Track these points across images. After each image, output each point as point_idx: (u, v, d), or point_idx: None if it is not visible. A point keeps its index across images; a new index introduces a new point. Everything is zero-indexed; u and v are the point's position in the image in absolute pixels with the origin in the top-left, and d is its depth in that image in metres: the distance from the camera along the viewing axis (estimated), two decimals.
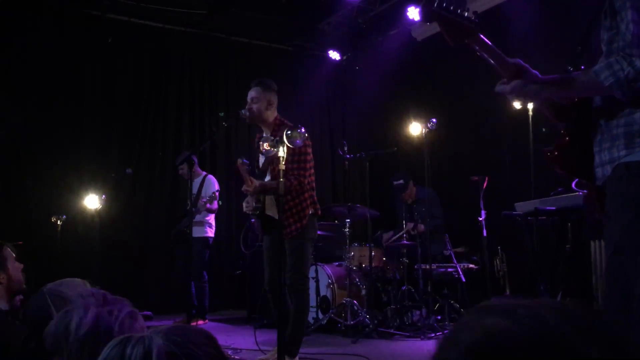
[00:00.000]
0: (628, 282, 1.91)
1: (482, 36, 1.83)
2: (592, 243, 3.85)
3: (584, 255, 3.83)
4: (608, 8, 1.89)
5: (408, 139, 6.31)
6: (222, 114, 4.33)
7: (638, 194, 1.81)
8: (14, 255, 2.71)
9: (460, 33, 1.79)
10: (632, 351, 0.44)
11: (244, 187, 3.83)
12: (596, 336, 0.44)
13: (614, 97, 1.85)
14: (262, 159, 4.14)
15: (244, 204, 4.06)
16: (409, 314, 5.55)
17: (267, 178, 4.05)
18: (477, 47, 1.86)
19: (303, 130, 3.01)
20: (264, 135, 3.55)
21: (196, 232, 5.64)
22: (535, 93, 1.94)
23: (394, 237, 6.19)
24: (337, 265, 6.05)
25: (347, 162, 6.22)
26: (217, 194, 5.92)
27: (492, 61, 1.90)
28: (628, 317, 1.91)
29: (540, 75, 1.93)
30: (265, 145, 3.07)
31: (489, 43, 1.86)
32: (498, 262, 6.07)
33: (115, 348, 0.87)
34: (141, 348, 0.84)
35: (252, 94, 4.09)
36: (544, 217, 4.27)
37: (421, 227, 5.94)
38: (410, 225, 6.01)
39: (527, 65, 1.93)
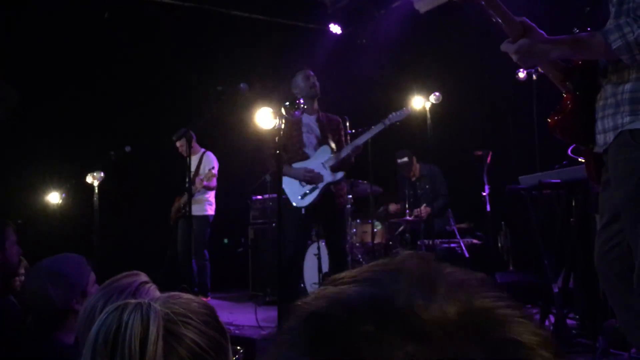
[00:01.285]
0: (624, 252, 1.88)
1: None
2: (597, 216, 3.78)
3: (588, 229, 3.76)
4: None
5: (411, 113, 6.22)
6: (220, 88, 4.26)
7: None
8: (15, 238, 2.65)
9: None
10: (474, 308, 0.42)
11: None
12: (430, 291, 0.42)
13: (621, 61, 1.79)
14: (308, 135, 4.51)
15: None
16: None
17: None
18: (482, 3, 1.78)
19: (302, 101, 2.94)
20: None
21: (196, 210, 5.61)
22: (541, 53, 1.87)
23: (399, 213, 6.13)
24: None
25: (349, 138, 6.14)
26: (214, 171, 5.85)
27: (498, 19, 1.83)
28: (625, 289, 1.88)
29: (546, 35, 1.86)
30: (263, 118, 3.00)
31: (495, 0, 1.79)
32: (502, 238, 6.03)
33: (112, 314, 0.84)
34: (139, 314, 0.82)
35: (312, 73, 4.60)
36: (549, 191, 4.21)
37: (427, 209, 5.89)
38: (416, 210, 5.95)
39: (533, 25, 1.87)
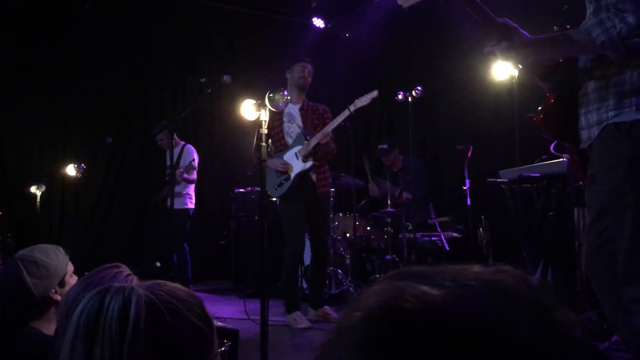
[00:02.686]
0: (612, 248, 1.89)
1: None
2: (575, 210, 3.85)
3: (567, 222, 3.83)
4: None
5: (393, 107, 6.26)
6: (203, 80, 4.24)
7: (627, 155, 1.79)
8: None
9: None
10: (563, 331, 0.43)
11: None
12: (527, 313, 0.41)
13: (601, 57, 1.81)
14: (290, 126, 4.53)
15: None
16: None
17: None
18: (464, 4, 1.79)
19: (285, 92, 2.95)
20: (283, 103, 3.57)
21: (176, 203, 5.59)
22: (525, 54, 1.89)
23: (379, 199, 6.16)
24: None
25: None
26: (194, 163, 5.82)
27: (480, 20, 1.84)
28: (615, 284, 1.90)
29: (529, 35, 1.88)
30: (247, 109, 3.00)
31: (478, 1, 1.80)
32: (481, 231, 6.09)
33: (94, 297, 0.83)
34: (120, 298, 0.81)
35: (309, 67, 4.64)
36: (528, 185, 4.26)
37: (406, 195, 5.93)
38: (396, 190, 5.99)
39: (515, 25, 1.88)
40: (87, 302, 0.83)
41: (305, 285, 5.76)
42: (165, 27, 7.38)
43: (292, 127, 4.59)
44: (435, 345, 0.40)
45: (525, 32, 1.89)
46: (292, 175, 4.47)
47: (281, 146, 4.57)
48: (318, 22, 7.81)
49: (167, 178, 6.08)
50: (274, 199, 4.57)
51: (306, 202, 4.48)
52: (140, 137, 6.94)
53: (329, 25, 7.86)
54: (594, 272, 2.02)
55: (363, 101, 4.47)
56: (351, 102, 4.55)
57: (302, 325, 4.25)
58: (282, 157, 4.53)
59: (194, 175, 5.95)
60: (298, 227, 4.46)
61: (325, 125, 4.58)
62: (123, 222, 6.98)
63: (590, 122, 1.90)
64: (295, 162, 4.48)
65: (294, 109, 4.64)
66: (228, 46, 7.61)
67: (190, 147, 6.05)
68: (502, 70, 5.10)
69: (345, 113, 4.45)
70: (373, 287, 0.47)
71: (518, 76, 4.93)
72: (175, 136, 5.92)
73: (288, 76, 4.68)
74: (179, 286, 0.90)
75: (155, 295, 0.83)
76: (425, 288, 0.43)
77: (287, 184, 4.48)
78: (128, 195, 7.05)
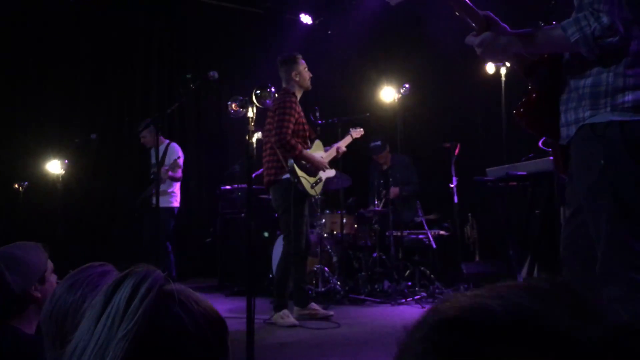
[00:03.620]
0: (588, 244, 1.91)
1: None
2: (562, 208, 3.86)
3: (553, 220, 3.84)
4: None
5: (381, 105, 6.25)
6: (189, 76, 4.20)
7: (602, 156, 1.80)
8: None
9: None
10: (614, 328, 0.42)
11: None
12: (588, 318, 0.42)
13: (581, 56, 1.82)
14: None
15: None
16: (380, 280, 5.56)
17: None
18: None
19: (273, 89, 2.92)
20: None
21: (161, 202, 5.56)
22: (504, 47, 1.89)
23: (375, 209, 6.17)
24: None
25: (319, 128, 6.14)
26: (179, 161, 5.76)
27: (461, 12, 1.85)
28: (588, 280, 1.91)
29: (509, 29, 1.89)
30: (234, 106, 2.97)
31: None
32: (468, 229, 6.12)
33: (120, 277, 0.83)
34: (140, 276, 0.80)
35: (295, 65, 4.57)
36: (515, 183, 4.28)
37: (395, 190, 5.93)
38: (384, 192, 6.00)
39: (497, 19, 1.89)
40: (117, 276, 0.84)
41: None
42: (151, 23, 7.32)
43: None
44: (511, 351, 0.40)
45: (506, 25, 1.90)
46: (324, 177, 4.57)
47: (305, 144, 4.53)
48: (306, 19, 7.78)
49: (152, 176, 6.03)
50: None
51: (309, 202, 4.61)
52: (125, 134, 6.88)
53: (317, 22, 7.84)
54: (568, 267, 2.05)
55: (357, 133, 5.01)
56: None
57: (289, 324, 4.23)
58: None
59: (180, 174, 5.90)
60: (306, 228, 4.49)
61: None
62: (106, 220, 6.91)
63: (569, 121, 1.91)
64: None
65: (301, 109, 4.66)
66: (214, 42, 7.55)
67: (175, 145, 6.00)
68: (491, 68, 5.11)
69: (348, 139, 5.07)
70: (430, 309, 0.48)
71: (506, 74, 4.94)
72: (153, 134, 5.89)
73: (295, 76, 4.55)
74: (208, 301, 0.88)
75: (175, 286, 0.82)
76: (481, 301, 0.43)
77: (320, 185, 4.58)
78: (114, 192, 6.98)
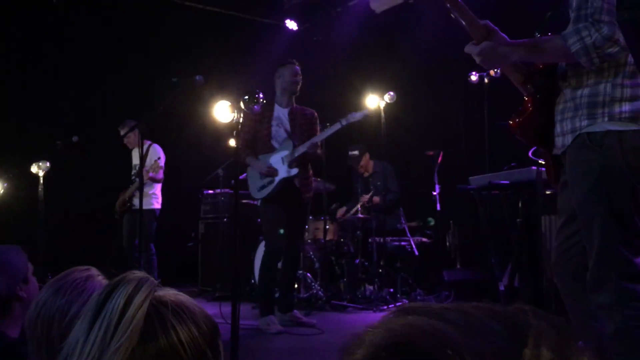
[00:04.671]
0: (579, 252, 1.94)
1: None
2: (542, 217, 3.92)
3: (534, 229, 3.90)
4: None
5: (369, 115, 6.29)
6: (174, 80, 4.17)
7: (598, 164, 1.83)
8: None
9: None
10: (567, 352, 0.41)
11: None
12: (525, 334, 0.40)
13: (579, 66, 1.85)
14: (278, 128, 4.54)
15: None
16: (362, 287, 5.58)
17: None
18: (448, 5, 1.82)
19: (261, 95, 2.93)
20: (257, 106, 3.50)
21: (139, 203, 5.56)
22: (503, 56, 1.92)
23: (351, 212, 6.19)
24: None
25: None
26: (160, 162, 5.73)
27: (462, 21, 1.87)
28: (578, 288, 1.95)
29: (508, 39, 1.92)
30: (222, 111, 2.97)
31: (460, 1, 1.83)
32: (450, 236, 6.17)
33: (112, 283, 0.82)
34: (133, 284, 0.80)
35: (299, 70, 4.66)
36: (497, 192, 4.33)
37: (376, 198, 5.97)
38: (365, 197, 6.02)
39: (496, 28, 1.91)
40: (107, 284, 0.83)
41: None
42: (136, 26, 7.27)
43: (280, 132, 4.56)
44: None
45: (505, 35, 1.93)
46: (277, 179, 4.44)
47: (266, 148, 4.53)
48: (291, 24, 7.80)
49: (133, 178, 5.99)
50: (249, 201, 4.55)
51: (288, 205, 4.47)
52: (107, 135, 6.80)
53: (302, 28, 7.87)
54: (559, 276, 2.08)
55: (356, 117, 4.46)
56: (338, 112, 4.62)
57: (274, 330, 4.22)
58: (267, 160, 4.50)
59: (161, 175, 5.87)
60: (277, 228, 4.43)
61: (312, 130, 4.61)
62: (86, 222, 6.83)
63: (565, 130, 1.94)
64: (281, 167, 4.45)
65: (282, 113, 4.61)
66: (200, 46, 7.53)
67: (156, 146, 5.96)
68: (474, 77, 5.17)
69: (336, 126, 4.44)
70: (379, 323, 0.45)
71: (489, 83, 5.00)
72: (138, 135, 5.86)
73: (278, 80, 4.63)
74: (203, 309, 0.88)
75: (169, 296, 0.83)
76: (439, 325, 0.41)
77: (270, 188, 4.46)
78: (95, 194, 6.91)
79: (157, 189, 5.99)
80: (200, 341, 0.81)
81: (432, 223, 4.89)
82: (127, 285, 0.80)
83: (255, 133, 4.53)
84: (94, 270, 1.40)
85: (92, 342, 0.76)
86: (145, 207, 5.72)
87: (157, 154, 5.88)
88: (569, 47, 1.79)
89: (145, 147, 5.83)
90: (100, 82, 7.02)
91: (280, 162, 4.47)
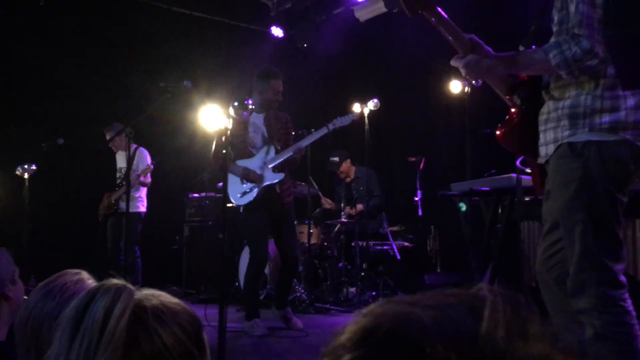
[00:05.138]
0: (562, 259, 2.01)
1: (439, 9, 1.85)
2: (522, 223, 4.02)
3: (514, 235, 4.00)
4: None
5: (356, 120, 6.37)
6: (162, 84, 4.21)
7: (579, 173, 1.89)
8: None
9: (418, 4, 1.80)
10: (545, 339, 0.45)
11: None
12: (527, 338, 0.43)
13: (561, 78, 1.91)
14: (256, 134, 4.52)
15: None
16: (345, 290, 5.66)
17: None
18: (433, 20, 1.87)
19: (250, 102, 3.00)
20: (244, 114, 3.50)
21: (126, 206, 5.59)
22: (488, 68, 1.97)
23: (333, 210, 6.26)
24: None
25: (292, 138, 6.21)
26: (151, 166, 5.78)
27: (448, 35, 1.92)
28: (561, 294, 2.02)
29: (493, 52, 1.97)
30: (211, 117, 3.03)
31: (446, 16, 1.88)
32: (431, 241, 6.28)
33: (88, 292, 0.81)
34: (111, 294, 0.79)
35: (281, 84, 4.59)
36: (478, 198, 4.43)
37: (359, 206, 6.05)
38: (349, 209, 6.10)
39: (481, 42, 1.97)
40: (82, 294, 0.83)
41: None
42: (124, 30, 7.28)
43: (257, 138, 4.55)
44: None
45: (489, 48, 1.99)
46: (262, 185, 4.43)
47: (245, 154, 4.53)
48: (277, 31, 7.86)
49: (119, 181, 6.00)
50: (233, 205, 4.55)
51: (271, 212, 4.47)
52: (93, 138, 6.79)
53: (288, 35, 7.93)
54: (542, 282, 2.13)
55: (343, 121, 4.47)
56: (323, 118, 4.61)
57: (260, 333, 4.27)
58: (247, 166, 4.49)
59: (149, 179, 5.91)
60: (262, 236, 4.46)
61: (288, 134, 4.61)
62: (72, 225, 6.82)
63: (548, 140, 2.00)
64: (264, 173, 4.45)
65: (258, 119, 4.59)
66: (188, 52, 7.56)
67: (143, 150, 5.99)
68: (456, 86, 5.28)
69: (323, 131, 4.46)
70: (362, 312, 0.48)
71: (470, 93, 5.12)
72: (125, 139, 5.87)
73: (260, 86, 4.55)
74: (178, 301, 0.87)
75: (148, 300, 0.82)
76: (411, 310, 0.45)
77: (253, 194, 4.44)
78: (81, 197, 6.90)
79: (143, 192, 6.03)
80: (185, 341, 0.81)
81: (464, 209, 4.88)
82: (105, 296, 0.79)
83: (232, 139, 4.44)
84: (84, 274, 1.40)
85: (74, 358, 0.76)
86: (131, 210, 5.75)
87: (145, 158, 5.92)
88: (550, 59, 1.85)
89: (131, 150, 5.88)
90: (87, 85, 7.02)
91: (262, 168, 4.45)
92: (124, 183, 5.57)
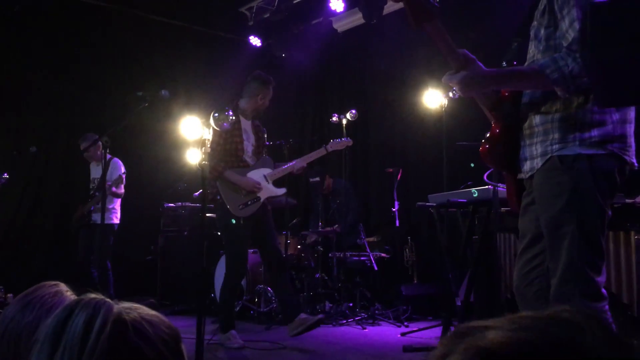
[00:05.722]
0: (542, 273, 2.02)
1: (439, 22, 1.86)
2: (498, 235, 4.07)
3: (490, 246, 4.04)
4: (547, 6, 1.97)
5: (327, 129, 6.40)
6: (140, 94, 4.16)
7: (570, 186, 1.90)
8: None
9: (422, 15, 1.81)
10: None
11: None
12: (621, 347, 0.45)
13: (548, 93, 1.93)
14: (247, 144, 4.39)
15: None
16: (322, 301, 5.64)
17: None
18: (431, 32, 1.87)
19: (230, 113, 2.97)
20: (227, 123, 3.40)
21: (100, 217, 5.49)
22: (481, 84, 1.98)
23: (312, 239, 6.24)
24: (252, 252, 6.02)
25: (265, 150, 6.20)
26: (123, 177, 5.68)
27: (443, 49, 1.93)
28: (542, 308, 2.03)
29: (485, 68, 1.98)
30: (190, 127, 3.00)
31: (444, 30, 1.89)
32: (407, 252, 6.31)
33: (67, 307, 0.80)
34: (90, 309, 0.78)
35: (271, 93, 4.44)
36: (455, 209, 4.47)
37: (337, 229, 6.05)
38: (327, 229, 6.09)
39: (473, 57, 1.97)
40: (60, 309, 0.81)
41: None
42: (101, 39, 7.20)
43: (249, 146, 4.47)
44: None
45: (481, 63, 1.99)
46: (262, 198, 4.35)
47: (240, 162, 4.40)
48: (255, 41, 7.86)
49: (92, 192, 5.89)
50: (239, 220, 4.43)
51: (255, 222, 4.41)
52: (68, 149, 6.69)
53: (266, 45, 7.94)
54: (521, 295, 2.13)
55: (338, 145, 4.49)
56: (300, 129, 4.58)
57: (236, 345, 4.22)
58: (250, 176, 4.40)
59: (122, 190, 5.81)
60: (245, 247, 4.40)
61: (263, 144, 4.56)
62: (43, 236, 6.68)
63: (534, 154, 2.01)
64: (268, 185, 4.38)
65: (247, 126, 4.50)
66: (166, 61, 7.51)
67: (117, 160, 5.90)
68: (433, 99, 5.32)
69: (322, 151, 4.50)
70: (447, 348, 0.49)
71: (447, 105, 5.17)
72: (99, 149, 5.80)
73: (257, 91, 4.45)
74: (156, 313, 0.87)
75: (127, 313, 0.81)
76: (518, 335, 0.46)
77: (254, 206, 4.35)
78: (50, 207, 6.77)
79: (117, 203, 5.91)
80: (165, 353, 0.81)
81: (476, 195, 4.83)
82: (84, 310, 0.78)
83: (224, 146, 4.40)
84: (62, 286, 1.37)
85: None
86: (105, 221, 5.66)
87: (119, 169, 5.82)
88: (548, 75, 1.86)
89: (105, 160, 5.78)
90: (63, 94, 6.91)
91: (264, 180, 4.38)
92: (97, 193, 5.48)
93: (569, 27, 1.87)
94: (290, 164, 4.33)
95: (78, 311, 0.78)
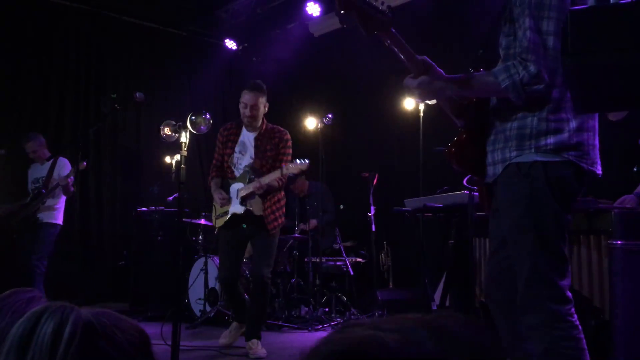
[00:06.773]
0: (511, 276, 2.06)
1: (393, 31, 1.88)
2: (474, 239, 4.09)
3: (466, 251, 4.06)
4: (508, 15, 2.02)
5: (304, 133, 6.38)
6: (114, 96, 4.10)
7: (526, 192, 1.95)
8: None
9: (373, 25, 1.83)
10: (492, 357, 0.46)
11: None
12: (455, 344, 0.45)
13: (509, 100, 1.97)
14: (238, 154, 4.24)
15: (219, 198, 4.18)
16: (298, 306, 5.61)
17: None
18: (388, 41, 1.91)
19: (208, 116, 2.93)
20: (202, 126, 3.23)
21: (45, 217, 5.45)
22: (440, 90, 2.02)
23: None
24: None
25: (283, 160, 6.10)
26: (71, 176, 5.51)
27: (401, 55, 1.96)
28: (511, 310, 2.06)
29: (444, 74, 2.02)
30: (167, 130, 2.95)
31: (400, 38, 1.92)
32: (383, 257, 6.32)
33: (33, 314, 0.78)
34: (58, 316, 0.76)
35: (248, 98, 4.12)
36: (431, 214, 4.49)
37: (313, 222, 6.03)
38: (302, 225, 6.07)
39: (433, 63, 2.01)
40: (26, 317, 0.80)
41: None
42: (71, 39, 7.08)
43: (243, 159, 4.23)
44: None
45: (441, 70, 2.03)
46: (230, 213, 4.23)
47: (229, 174, 4.29)
48: (230, 44, 7.82)
49: (36, 191, 5.69)
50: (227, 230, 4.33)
51: (249, 234, 4.26)
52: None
53: (241, 48, 7.90)
54: (492, 298, 2.17)
55: (294, 169, 4.08)
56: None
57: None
58: (229, 187, 4.29)
59: (72, 188, 5.66)
60: (228, 254, 4.25)
61: (280, 154, 4.22)
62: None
63: (496, 160, 2.06)
64: (234, 201, 4.22)
65: (248, 138, 4.26)
66: (140, 63, 7.41)
67: (63, 159, 5.75)
68: (410, 104, 5.35)
69: (278, 174, 4.07)
70: (329, 335, 0.49)
71: (424, 111, 5.20)
72: (44, 149, 5.69)
73: (241, 103, 4.25)
74: (126, 318, 0.86)
75: (97, 320, 0.80)
76: (377, 334, 0.46)
77: (225, 218, 4.25)
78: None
79: (62, 203, 5.74)
80: (137, 358, 0.81)
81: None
82: (51, 318, 0.77)
83: (222, 156, 4.30)
84: (37, 292, 1.38)
85: None
86: (50, 220, 5.53)
87: (67, 167, 5.67)
88: (499, 83, 1.92)
89: (50, 161, 5.64)
90: (31, 94, 6.77)
91: (235, 194, 4.24)
92: (43, 191, 5.40)
93: (523, 36, 1.92)
94: (252, 184, 4.09)
95: (45, 319, 0.76)
